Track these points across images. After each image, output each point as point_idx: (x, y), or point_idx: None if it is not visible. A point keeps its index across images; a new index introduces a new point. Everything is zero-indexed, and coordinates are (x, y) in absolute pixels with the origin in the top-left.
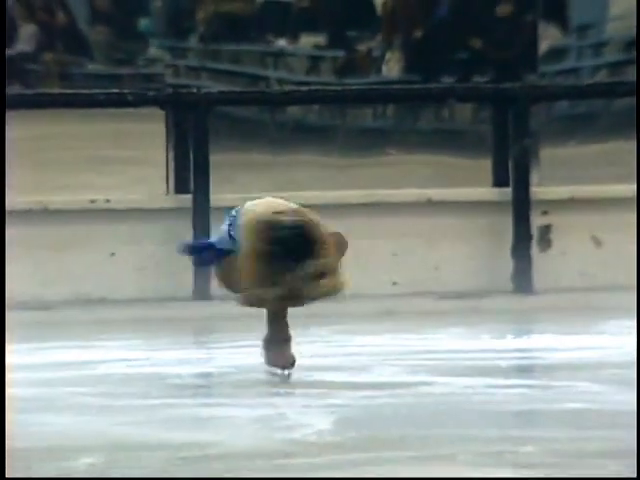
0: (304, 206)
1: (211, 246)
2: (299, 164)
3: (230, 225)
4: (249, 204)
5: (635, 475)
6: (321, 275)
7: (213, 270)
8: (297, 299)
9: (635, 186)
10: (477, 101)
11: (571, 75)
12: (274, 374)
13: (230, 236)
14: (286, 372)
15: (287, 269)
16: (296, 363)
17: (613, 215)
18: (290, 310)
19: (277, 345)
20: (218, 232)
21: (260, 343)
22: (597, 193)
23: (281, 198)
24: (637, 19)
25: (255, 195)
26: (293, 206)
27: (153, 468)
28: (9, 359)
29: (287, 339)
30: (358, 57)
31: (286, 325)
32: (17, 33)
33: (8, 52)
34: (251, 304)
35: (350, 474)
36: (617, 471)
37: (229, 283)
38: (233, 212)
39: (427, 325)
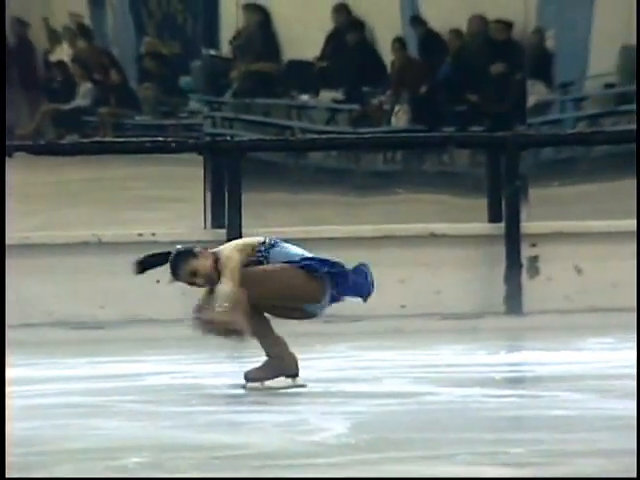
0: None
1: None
2: (319, 202)
3: None
4: None
5: (635, 475)
6: None
7: None
8: None
9: (611, 222)
10: (473, 148)
11: (555, 125)
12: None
13: None
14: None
15: None
16: (303, 375)
17: (592, 247)
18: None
19: None
20: None
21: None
22: (579, 228)
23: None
24: (637, 27)
25: (280, 229)
26: (232, 245)
27: (193, 466)
28: (69, 372)
29: None
30: (370, 110)
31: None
32: (76, 90)
33: (68, 107)
34: None
35: (364, 472)
36: (595, 467)
37: None
38: None
39: (431, 342)
